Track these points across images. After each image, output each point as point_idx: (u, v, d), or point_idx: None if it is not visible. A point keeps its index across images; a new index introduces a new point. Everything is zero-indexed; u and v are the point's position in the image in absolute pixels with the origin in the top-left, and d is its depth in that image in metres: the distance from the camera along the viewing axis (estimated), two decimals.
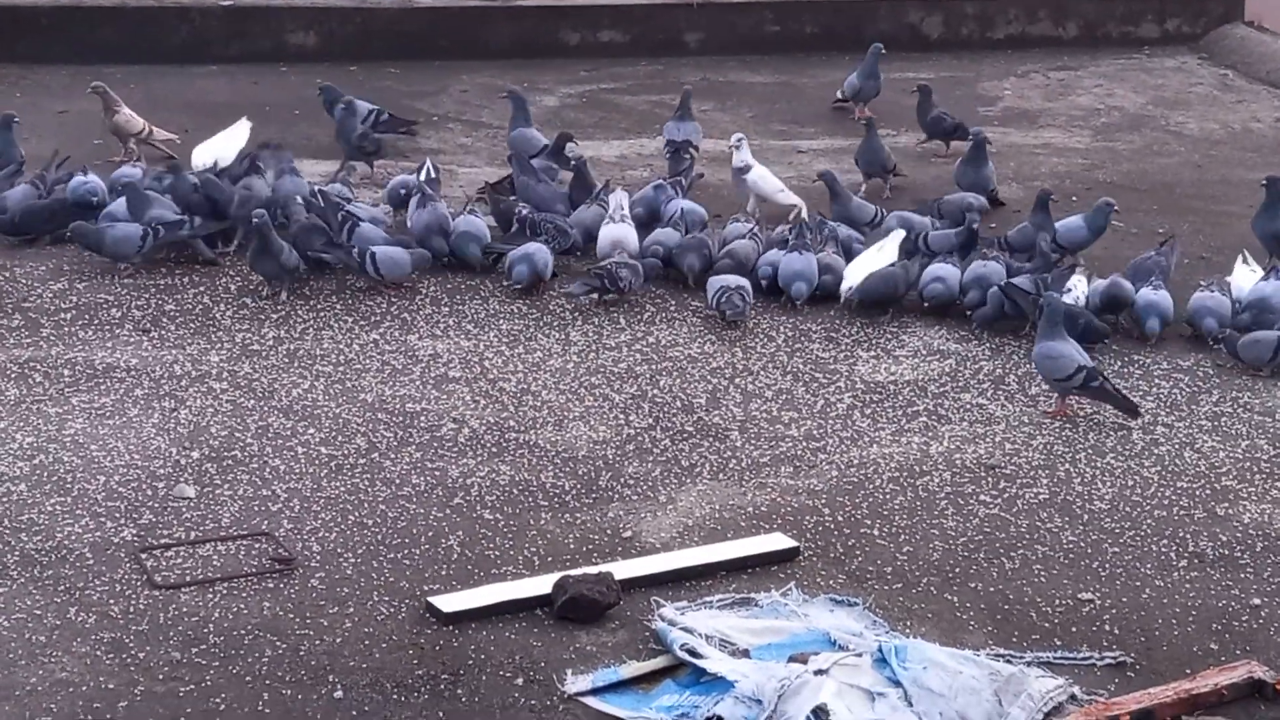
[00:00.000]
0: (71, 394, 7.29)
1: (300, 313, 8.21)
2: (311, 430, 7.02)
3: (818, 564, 6.10)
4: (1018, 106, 12.54)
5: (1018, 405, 7.44)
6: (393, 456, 6.82)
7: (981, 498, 6.61)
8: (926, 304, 8.31)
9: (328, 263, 8.56)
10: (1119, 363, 7.88)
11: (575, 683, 5.34)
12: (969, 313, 8.25)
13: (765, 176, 9.57)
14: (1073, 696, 5.32)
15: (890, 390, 7.56)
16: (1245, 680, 5.35)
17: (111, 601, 5.73)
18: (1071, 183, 10.59)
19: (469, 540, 6.19)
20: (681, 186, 9.47)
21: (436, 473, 6.69)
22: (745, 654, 5.46)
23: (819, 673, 5.23)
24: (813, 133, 11.55)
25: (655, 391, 7.50)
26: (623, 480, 6.68)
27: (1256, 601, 5.91)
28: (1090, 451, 7.01)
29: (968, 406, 7.43)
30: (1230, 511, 6.55)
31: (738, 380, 7.63)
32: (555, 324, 8.19)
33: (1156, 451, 7.03)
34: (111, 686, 5.27)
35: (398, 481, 6.62)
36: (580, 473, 6.73)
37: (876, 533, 6.32)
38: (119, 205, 8.85)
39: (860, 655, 5.38)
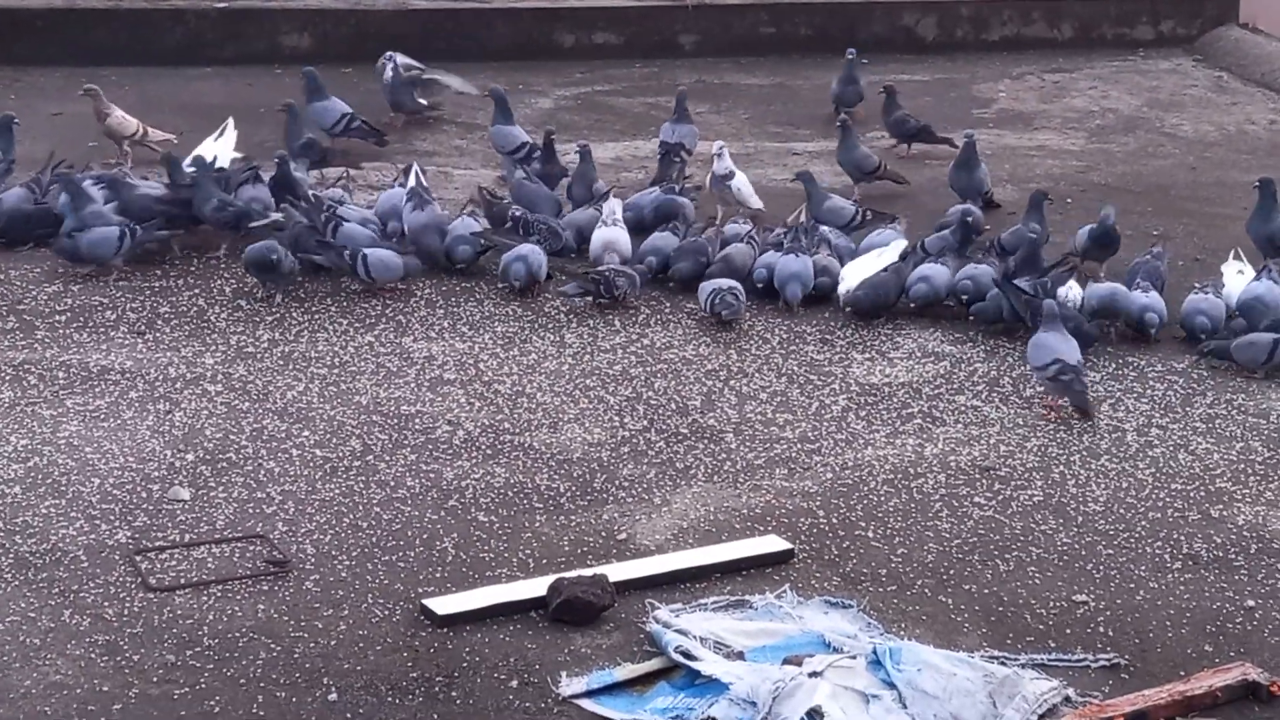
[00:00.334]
0: (66, 396, 7.29)
1: (295, 315, 8.22)
2: (306, 433, 7.02)
3: (812, 566, 6.10)
4: (1012, 108, 12.55)
5: (1012, 407, 7.45)
6: (387, 459, 6.82)
7: (976, 500, 6.61)
8: (913, 304, 8.31)
9: (320, 264, 8.56)
10: (1114, 365, 7.89)
11: (570, 685, 5.34)
12: (968, 311, 8.24)
13: (746, 184, 9.60)
14: (1067, 699, 5.32)
15: (885, 392, 7.57)
16: (1239, 682, 5.35)
17: (106, 604, 5.72)
18: (1066, 185, 10.60)
19: (464, 543, 6.19)
20: (673, 191, 9.49)
21: (431, 475, 6.70)
22: (740, 656, 5.46)
23: (813, 675, 5.23)
24: (808, 134, 11.56)
25: (650, 394, 7.50)
26: (617, 482, 6.68)
27: (1251, 603, 5.92)
28: (1085, 454, 7.02)
29: (962, 409, 7.43)
30: (1224, 513, 6.55)
31: (732, 382, 7.64)
32: (550, 326, 8.20)
33: (1151, 453, 7.03)
34: (106, 689, 5.27)
35: (392, 484, 6.62)
36: (575, 475, 6.73)
37: (871, 535, 6.32)
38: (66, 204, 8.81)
39: (855, 657, 5.38)
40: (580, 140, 10.05)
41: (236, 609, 5.72)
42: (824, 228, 9.01)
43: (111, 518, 6.29)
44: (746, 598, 5.85)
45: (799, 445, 7.04)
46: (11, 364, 7.59)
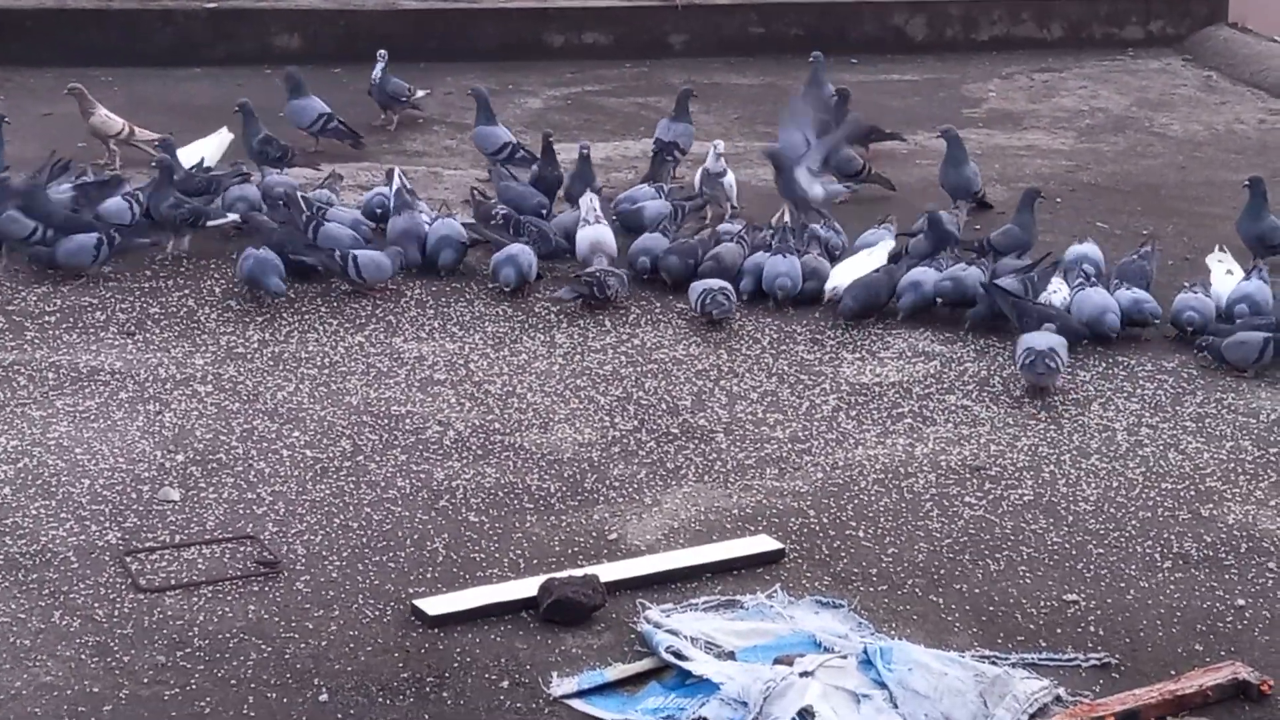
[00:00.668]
0: (56, 397, 7.28)
1: (285, 316, 8.21)
2: (296, 433, 7.02)
3: (803, 566, 6.10)
4: (1002, 108, 12.55)
5: (1003, 407, 7.45)
6: (378, 459, 6.82)
7: (966, 499, 6.62)
8: (901, 315, 8.29)
9: (309, 266, 8.55)
10: (1104, 364, 7.89)
11: (561, 685, 5.34)
12: (965, 316, 8.24)
13: (733, 185, 9.65)
14: (1058, 698, 5.32)
15: (875, 392, 7.57)
16: (1230, 681, 5.36)
17: (96, 605, 5.72)
18: (1056, 184, 10.60)
19: (454, 543, 6.18)
20: (663, 190, 9.50)
21: (422, 475, 6.69)
22: (731, 656, 5.46)
23: (804, 675, 5.23)
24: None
25: (640, 394, 7.50)
26: (608, 482, 6.68)
27: (1241, 602, 5.92)
28: (1075, 453, 7.02)
29: (953, 408, 7.43)
30: (1215, 513, 6.56)
31: (723, 382, 7.64)
32: (540, 327, 8.19)
33: (1141, 453, 7.04)
34: (96, 690, 5.26)
35: (383, 484, 6.61)
36: (565, 475, 6.73)
37: (862, 534, 6.32)
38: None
39: (846, 657, 5.38)
40: (575, 141, 10.04)
41: (227, 610, 5.72)
42: (815, 226, 9.00)
43: (101, 519, 6.28)
44: (737, 598, 5.85)
45: (790, 445, 7.04)
46: (1, 365, 7.58)
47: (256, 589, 5.86)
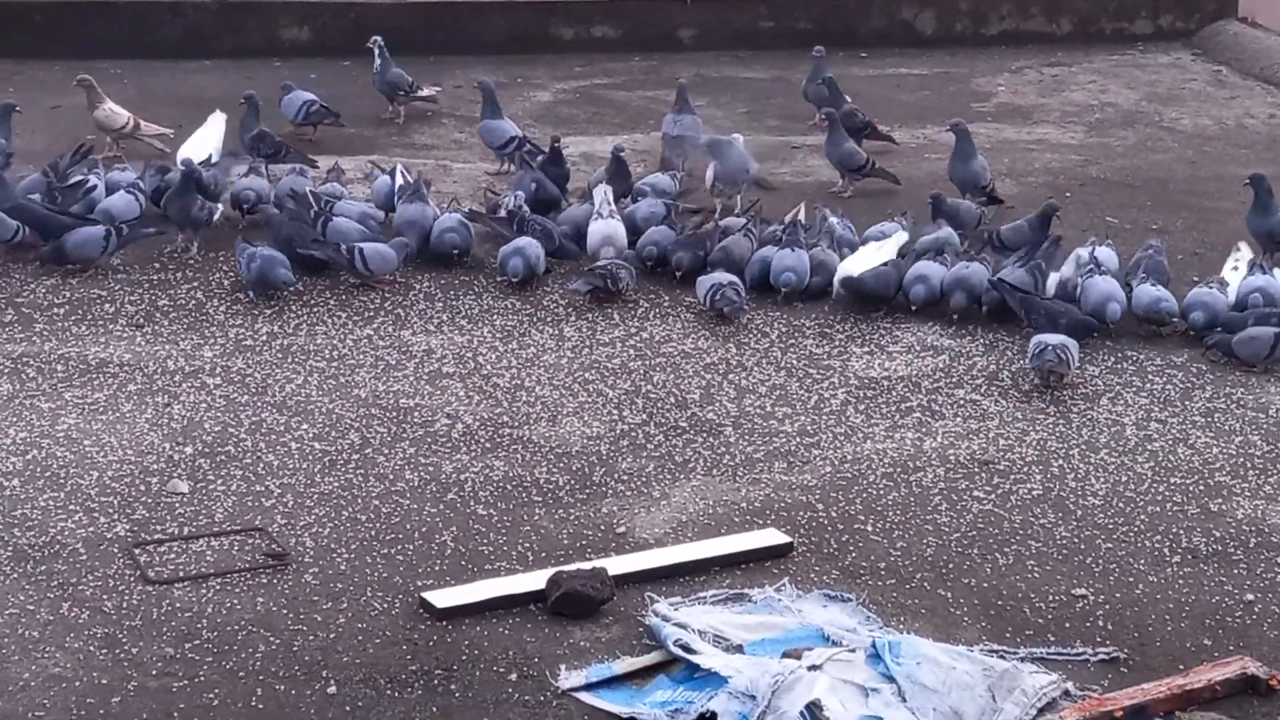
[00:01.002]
0: (65, 389, 7.28)
1: (294, 308, 8.21)
2: (305, 426, 7.02)
3: (811, 560, 6.10)
4: (1011, 103, 12.54)
5: (1011, 401, 7.45)
6: (386, 452, 6.82)
7: (975, 493, 6.61)
8: (914, 307, 8.29)
9: (318, 259, 8.55)
10: (1113, 359, 7.88)
11: (569, 678, 5.34)
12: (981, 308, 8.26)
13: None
14: (1066, 692, 5.32)
15: (884, 386, 7.56)
16: (1238, 676, 5.35)
17: (105, 597, 5.72)
18: (1065, 179, 10.59)
19: (462, 536, 6.18)
20: (676, 177, 9.52)
21: (430, 468, 6.69)
22: (739, 649, 5.46)
23: (813, 668, 5.23)
24: (806, 128, 11.54)
25: (649, 387, 7.49)
26: (616, 476, 6.68)
27: (1250, 597, 5.92)
28: (1084, 447, 7.01)
29: (961, 402, 7.43)
30: (1224, 507, 6.55)
31: (731, 376, 7.63)
32: (549, 319, 8.19)
33: (1150, 447, 7.03)
34: (105, 682, 5.27)
35: (391, 477, 6.61)
36: (574, 468, 6.73)
37: (870, 528, 6.32)
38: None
39: (854, 651, 5.38)
40: (584, 134, 10.04)
41: (235, 602, 5.72)
42: (832, 219, 8.97)
43: (110, 510, 6.28)
44: (745, 591, 5.85)
45: (798, 439, 7.03)
46: (10, 357, 7.59)
47: (265, 581, 5.86)
